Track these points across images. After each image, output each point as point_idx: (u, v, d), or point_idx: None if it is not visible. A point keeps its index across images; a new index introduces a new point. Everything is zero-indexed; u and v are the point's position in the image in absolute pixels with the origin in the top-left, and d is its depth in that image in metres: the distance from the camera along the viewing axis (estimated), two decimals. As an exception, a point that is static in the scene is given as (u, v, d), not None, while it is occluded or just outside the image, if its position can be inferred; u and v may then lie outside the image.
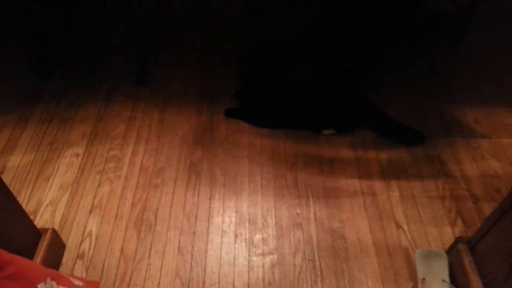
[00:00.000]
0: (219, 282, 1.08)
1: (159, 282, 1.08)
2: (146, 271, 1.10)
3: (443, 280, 1.06)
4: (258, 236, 1.17)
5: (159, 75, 1.65)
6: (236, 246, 1.15)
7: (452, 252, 1.10)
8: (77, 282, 0.95)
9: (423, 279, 1.07)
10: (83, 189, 1.27)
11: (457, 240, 1.07)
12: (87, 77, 1.64)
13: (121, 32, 1.82)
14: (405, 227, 1.20)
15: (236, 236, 1.17)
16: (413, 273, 1.10)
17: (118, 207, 1.23)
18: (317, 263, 1.12)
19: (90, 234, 1.16)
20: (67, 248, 1.13)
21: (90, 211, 1.22)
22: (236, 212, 1.23)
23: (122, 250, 1.14)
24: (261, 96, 1.49)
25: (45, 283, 0.82)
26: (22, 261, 0.80)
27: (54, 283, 0.85)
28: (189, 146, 1.40)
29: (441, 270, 1.08)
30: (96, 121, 1.47)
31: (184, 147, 1.40)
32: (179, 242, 1.16)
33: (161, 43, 1.79)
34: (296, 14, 1.50)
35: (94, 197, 1.25)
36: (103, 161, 1.35)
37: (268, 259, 1.13)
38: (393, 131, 1.43)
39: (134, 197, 1.26)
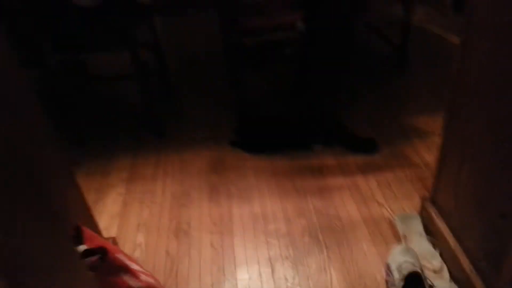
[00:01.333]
0: (246, 262, 1.37)
1: (200, 269, 1.36)
2: (188, 263, 1.38)
3: (420, 233, 1.37)
4: (272, 226, 1.48)
5: (172, 128, 2.05)
6: (255, 235, 1.46)
7: (422, 211, 1.42)
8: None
9: (405, 235, 1.38)
10: (128, 215, 1.59)
11: (422, 199, 1.40)
12: (114, 137, 2.03)
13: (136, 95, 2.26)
14: (385, 204, 1.53)
15: (254, 229, 1.48)
16: (396, 234, 1.40)
17: (158, 223, 1.54)
18: (321, 238, 1.42)
19: (140, 244, 1.46)
20: (123, 257, 1.42)
21: (137, 229, 1.52)
22: (251, 212, 1.55)
23: (167, 252, 1.43)
24: (257, 135, 1.90)
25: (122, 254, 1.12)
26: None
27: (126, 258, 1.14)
28: (206, 174, 1.75)
29: (417, 226, 1.40)
30: (130, 168, 1.83)
31: (202, 174, 1.75)
32: (210, 240, 1.46)
33: (169, 100, 2.22)
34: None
35: (139, 219, 1.57)
36: (141, 194, 1.68)
37: (282, 240, 1.43)
38: (352, 146, 1.80)
39: (169, 215, 1.57)
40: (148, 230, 1.52)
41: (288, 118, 1.90)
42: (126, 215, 1.59)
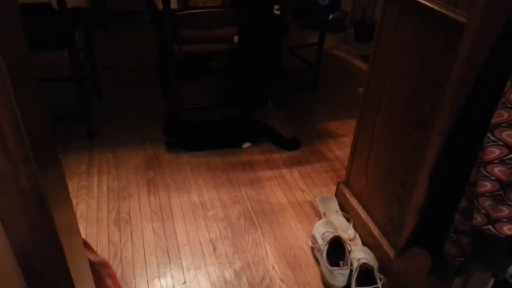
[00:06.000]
0: (189, 243, 1.48)
1: (144, 252, 1.43)
2: (131, 248, 1.44)
3: (336, 211, 1.63)
4: (210, 213, 1.62)
5: (105, 130, 2.08)
6: (195, 220, 1.57)
7: (337, 193, 1.68)
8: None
9: (324, 213, 1.62)
10: (64, 209, 1.58)
11: (338, 183, 1.67)
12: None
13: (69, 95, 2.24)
14: (307, 190, 1.77)
15: (194, 216, 1.60)
16: (317, 214, 1.64)
17: (97, 215, 1.57)
18: (255, 220, 1.60)
19: (80, 234, 1.48)
20: (63, 247, 1.42)
21: (75, 221, 1.53)
22: (190, 202, 1.66)
23: (109, 239, 1.47)
24: (188, 133, 2.03)
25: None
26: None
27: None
28: (142, 171, 1.82)
29: (334, 205, 1.65)
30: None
31: (138, 172, 1.82)
32: (152, 226, 1.54)
33: (100, 104, 2.24)
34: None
35: (76, 213, 1.57)
36: (75, 190, 1.69)
37: (220, 224, 1.57)
38: (279, 141, 2.05)
39: (108, 207, 1.61)
40: (87, 222, 1.54)
41: (219, 121, 2.08)
42: (62, 209, 1.58)
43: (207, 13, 1.94)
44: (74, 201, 1.63)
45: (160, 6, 1.90)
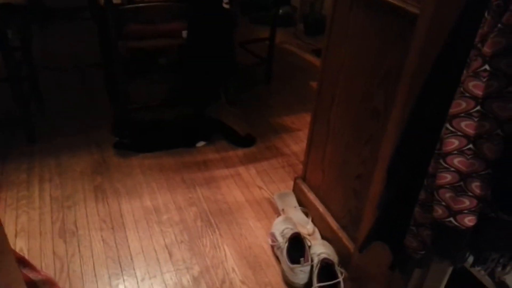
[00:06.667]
0: (143, 251, 1.39)
1: (93, 265, 1.33)
2: (79, 261, 1.34)
3: (294, 206, 1.61)
4: (165, 217, 1.54)
5: (46, 134, 1.92)
6: (149, 226, 1.49)
7: (295, 188, 1.66)
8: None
9: (283, 209, 1.59)
10: (3, 223, 1.43)
11: (295, 178, 1.65)
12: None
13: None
14: (264, 187, 1.73)
15: (147, 221, 1.51)
16: (276, 210, 1.61)
17: (40, 227, 1.44)
18: (212, 221, 1.54)
19: (21, 250, 1.34)
20: (0, 265, 1.29)
21: (15, 236, 1.40)
22: (142, 207, 1.57)
23: (54, 253, 1.35)
24: (138, 134, 1.93)
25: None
26: None
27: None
28: (89, 177, 1.70)
29: (292, 201, 1.63)
30: (-4, 176, 1.66)
31: (85, 178, 1.70)
32: (101, 236, 1.43)
33: (40, 107, 2.07)
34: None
35: (16, 226, 1.43)
36: (14, 201, 1.54)
37: (176, 228, 1.50)
38: (233, 139, 2.00)
39: (52, 218, 1.49)
40: (29, 235, 1.41)
41: (171, 120, 1.99)
42: None
43: (153, 7, 1.84)
44: (14, 214, 1.49)
45: (102, 1, 1.78)
